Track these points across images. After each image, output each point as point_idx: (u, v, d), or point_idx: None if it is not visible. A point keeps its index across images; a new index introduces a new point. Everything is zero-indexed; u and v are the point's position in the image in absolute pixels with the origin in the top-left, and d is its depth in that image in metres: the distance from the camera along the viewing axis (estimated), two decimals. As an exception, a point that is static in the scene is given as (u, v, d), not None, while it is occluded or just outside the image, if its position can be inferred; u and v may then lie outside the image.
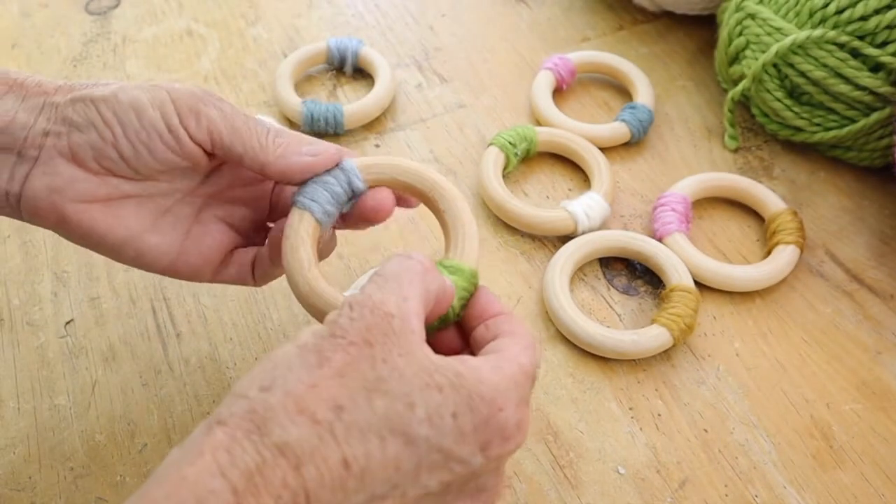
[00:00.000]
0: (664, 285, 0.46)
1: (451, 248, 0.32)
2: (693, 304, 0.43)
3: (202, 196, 0.36)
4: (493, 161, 0.50)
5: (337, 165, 0.34)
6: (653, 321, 0.43)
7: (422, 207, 0.36)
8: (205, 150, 0.33)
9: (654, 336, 0.42)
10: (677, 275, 0.45)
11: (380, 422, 0.24)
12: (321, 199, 0.33)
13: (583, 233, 0.48)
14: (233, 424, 0.24)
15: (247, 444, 0.23)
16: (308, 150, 0.33)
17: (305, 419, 0.24)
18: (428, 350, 0.27)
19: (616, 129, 0.53)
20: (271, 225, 0.39)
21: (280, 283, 0.46)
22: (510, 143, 0.51)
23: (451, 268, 0.31)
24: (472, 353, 0.31)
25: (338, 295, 0.32)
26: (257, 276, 0.37)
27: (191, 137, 0.32)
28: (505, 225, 0.49)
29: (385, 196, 0.34)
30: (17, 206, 0.32)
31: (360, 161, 0.34)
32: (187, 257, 0.35)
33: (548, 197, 0.52)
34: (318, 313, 0.32)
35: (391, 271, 0.28)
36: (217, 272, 0.37)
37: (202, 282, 0.37)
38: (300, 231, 0.32)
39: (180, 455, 0.23)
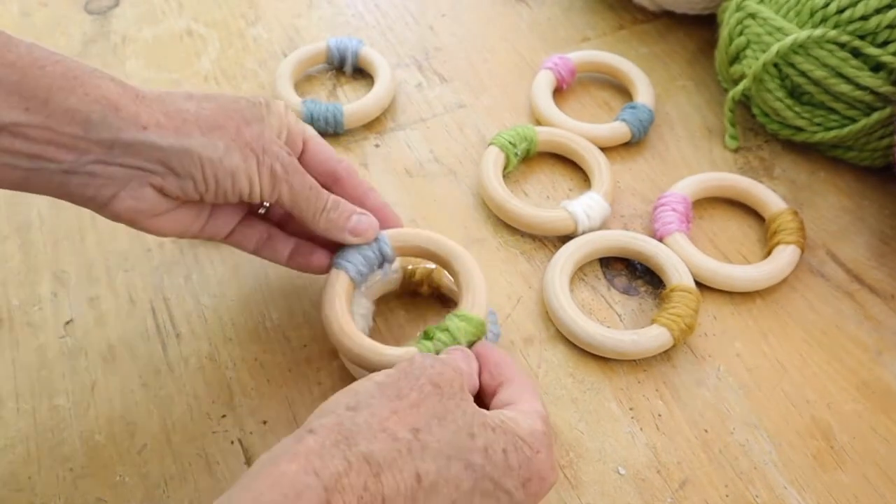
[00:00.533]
0: (664, 285, 0.45)
1: (463, 301, 0.40)
2: (693, 305, 0.43)
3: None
4: (493, 161, 0.50)
5: None
6: (653, 321, 0.43)
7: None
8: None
9: (654, 336, 0.42)
10: (678, 275, 0.45)
11: (447, 446, 0.29)
12: (356, 261, 0.40)
13: (583, 233, 0.48)
14: (322, 434, 0.28)
15: (335, 452, 0.27)
16: (351, 230, 0.40)
17: (387, 436, 0.28)
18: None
19: (616, 129, 0.53)
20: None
21: (280, 284, 0.46)
22: (510, 142, 0.51)
23: (462, 316, 0.39)
24: (481, 395, 0.36)
25: (363, 336, 0.38)
26: (265, 252, 0.42)
27: (262, 199, 0.38)
28: (505, 225, 0.49)
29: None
30: (97, 209, 0.35)
31: (391, 232, 0.41)
32: (207, 231, 0.40)
33: (548, 197, 0.52)
34: (346, 350, 0.38)
35: (461, 352, 0.36)
36: (227, 238, 0.41)
37: (217, 241, 0.41)
38: (336, 286, 0.40)
39: (272, 457, 0.27)
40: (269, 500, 0.25)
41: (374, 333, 0.44)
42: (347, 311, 0.39)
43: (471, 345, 0.39)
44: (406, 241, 0.42)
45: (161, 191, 0.35)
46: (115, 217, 0.35)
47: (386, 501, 0.27)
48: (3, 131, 0.31)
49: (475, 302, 0.39)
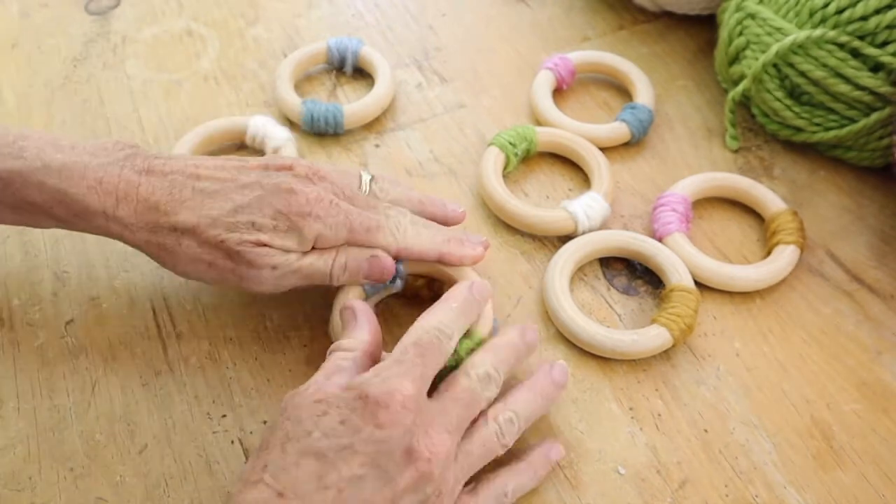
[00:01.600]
0: (664, 285, 0.45)
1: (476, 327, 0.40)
2: (693, 304, 0.43)
3: None
4: (493, 161, 0.50)
5: None
6: (653, 321, 0.43)
7: None
8: None
9: (654, 336, 0.42)
10: (677, 275, 0.45)
11: (292, 456, 0.31)
12: None
13: (583, 233, 0.48)
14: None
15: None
16: (365, 276, 0.41)
17: (251, 482, 0.31)
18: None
19: (616, 129, 0.53)
20: None
21: (280, 283, 0.46)
22: (510, 143, 0.51)
23: (466, 332, 0.39)
24: None
25: None
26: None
27: None
28: (505, 225, 0.49)
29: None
30: None
31: None
32: None
33: (548, 197, 0.52)
34: None
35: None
36: None
37: None
38: (349, 294, 0.42)
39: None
40: None
41: None
42: None
43: (469, 353, 0.39)
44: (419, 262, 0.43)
45: None
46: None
47: None
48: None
49: (480, 321, 0.40)
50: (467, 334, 0.39)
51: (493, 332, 0.42)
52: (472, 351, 0.39)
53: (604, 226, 0.49)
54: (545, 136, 0.52)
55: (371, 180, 0.44)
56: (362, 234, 0.40)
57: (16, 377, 0.42)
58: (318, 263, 0.39)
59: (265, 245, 0.38)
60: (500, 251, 0.48)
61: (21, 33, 0.63)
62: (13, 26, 0.64)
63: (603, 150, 0.52)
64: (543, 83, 0.56)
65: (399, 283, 0.43)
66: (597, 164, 0.51)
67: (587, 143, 0.52)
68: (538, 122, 0.55)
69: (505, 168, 0.51)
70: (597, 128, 0.54)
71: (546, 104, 0.55)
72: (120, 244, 0.48)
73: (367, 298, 0.43)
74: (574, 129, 0.53)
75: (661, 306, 0.44)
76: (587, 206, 0.48)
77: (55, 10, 0.65)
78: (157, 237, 0.39)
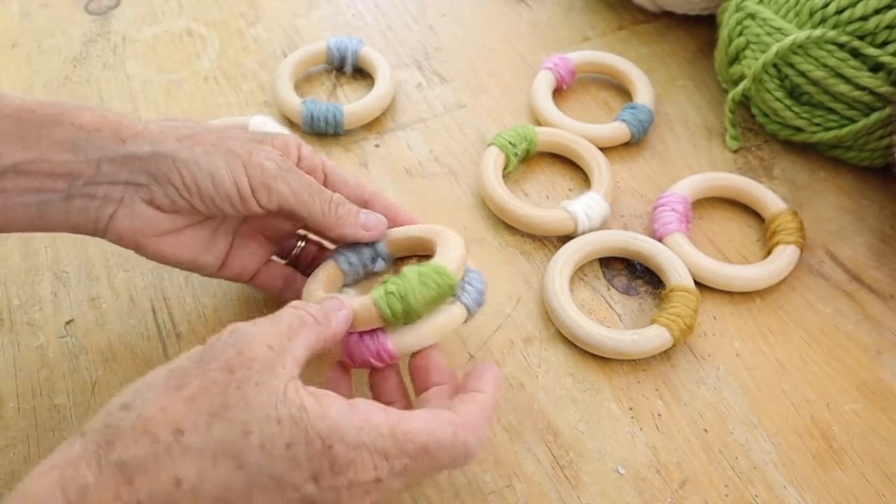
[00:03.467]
0: (664, 285, 0.46)
1: (435, 258, 0.37)
2: (693, 304, 0.43)
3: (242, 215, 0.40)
4: (493, 161, 0.50)
5: None
6: (653, 321, 0.43)
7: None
8: (269, 211, 0.38)
9: (653, 336, 0.42)
10: (677, 275, 0.45)
11: (215, 445, 0.27)
12: (347, 253, 0.41)
13: (583, 233, 0.48)
14: (90, 438, 0.27)
15: (92, 460, 0.26)
16: (364, 225, 0.40)
17: (147, 439, 0.26)
18: (292, 385, 0.29)
19: (616, 129, 0.53)
20: (300, 232, 0.44)
21: (280, 283, 0.46)
22: (510, 143, 0.51)
23: (424, 265, 0.35)
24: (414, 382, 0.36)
25: (321, 293, 0.37)
26: (288, 294, 0.43)
27: (260, 205, 0.37)
28: (505, 225, 0.49)
29: None
30: (103, 234, 0.37)
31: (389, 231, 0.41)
32: (230, 266, 0.41)
33: (548, 197, 0.52)
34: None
35: (287, 315, 0.32)
36: (253, 278, 0.42)
37: (243, 283, 0.43)
38: (320, 273, 0.40)
39: (43, 464, 0.26)
40: None
41: None
42: (322, 288, 0.39)
43: (434, 301, 0.35)
44: (397, 234, 0.41)
45: (152, 203, 0.36)
46: (119, 239, 0.37)
47: None
48: (8, 172, 0.34)
49: (447, 254, 0.36)
50: (426, 265, 0.35)
51: (474, 286, 0.38)
52: (437, 284, 0.35)
53: (604, 226, 0.49)
54: (545, 136, 0.52)
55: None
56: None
57: (16, 377, 0.42)
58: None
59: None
60: (500, 251, 0.48)
61: (21, 33, 0.63)
62: (13, 26, 0.64)
63: (603, 150, 0.52)
64: (543, 83, 0.56)
65: (382, 263, 0.42)
66: (597, 164, 0.51)
67: (587, 143, 0.52)
68: (538, 122, 0.55)
69: (505, 168, 0.51)
70: (597, 128, 0.54)
71: (546, 104, 0.55)
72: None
73: (346, 281, 0.41)
74: (574, 129, 0.53)
75: (661, 306, 0.44)
76: (587, 206, 0.48)
77: (55, 10, 0.65)
78: (176, 131, 0.37)
